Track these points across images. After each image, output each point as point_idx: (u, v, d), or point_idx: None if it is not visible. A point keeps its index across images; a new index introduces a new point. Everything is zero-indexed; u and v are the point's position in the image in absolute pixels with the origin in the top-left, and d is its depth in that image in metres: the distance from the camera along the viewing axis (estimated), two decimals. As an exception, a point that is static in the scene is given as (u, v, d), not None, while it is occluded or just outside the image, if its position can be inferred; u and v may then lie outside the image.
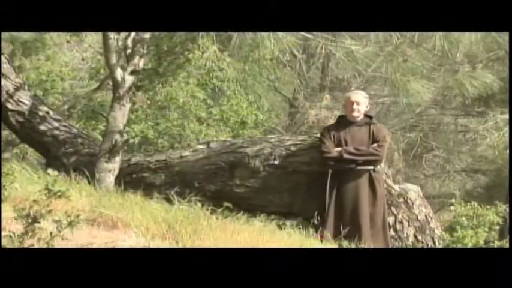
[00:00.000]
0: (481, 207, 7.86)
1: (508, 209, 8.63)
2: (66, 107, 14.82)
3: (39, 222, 5.58)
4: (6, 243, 5.44)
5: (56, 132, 9.61)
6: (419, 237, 7.98)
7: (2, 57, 9.68)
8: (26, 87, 10.02)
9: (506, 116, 14.52)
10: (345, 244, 7.23)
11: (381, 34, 9.10)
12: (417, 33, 9.10)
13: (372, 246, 7.30)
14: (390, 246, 7.75)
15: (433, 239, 7.97)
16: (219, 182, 8.54)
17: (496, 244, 7.74)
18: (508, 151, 12.61)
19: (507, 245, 7.90)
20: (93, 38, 14.51)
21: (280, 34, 8.72)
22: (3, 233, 5.57)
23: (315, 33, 9.62)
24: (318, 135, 8.27)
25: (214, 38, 8.69)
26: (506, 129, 14.38)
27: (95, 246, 6.01)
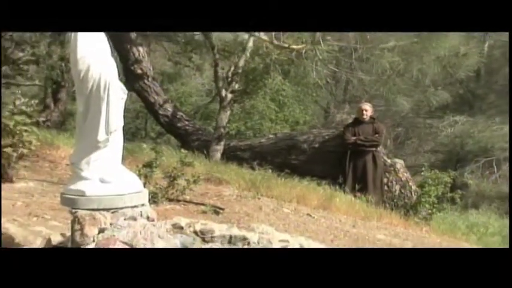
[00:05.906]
0: (439, 172, 7.62)
1: (457, 174, 8.40)
2: (192, 112, 14.93)
3: (176, 180, 5.61)
4: (157, 191, 5.46)
5: (187, 127, 9.69)
6: (402, 191, 7.78)
7: (155, 83, 9.74)
8: (170, 101, 10.11)
9: (457, 118, 14.34)
10: (358, 195, 7.13)
11: (380, 70, 8.78)
12: (402, 66, 8.76)
13: (374, 198, 7.18)
14: (384, 198, 7.58)
15: (410, 192, 7.75)
16: (282, 157, 8.46)
17: (448, 194, 7.45)
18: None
19: (458, 201, 7.64)
20: (208, 73, 14.53)
21: (319, 68, 8.55)
22: (157, 186, 5.58)
23: (339, 67, 9.47)
24: (342, 129, 8.12)
25: (280, 70, 8.60)
26: (457, 126, 14.19)
27: (208, 195, 6.02)
